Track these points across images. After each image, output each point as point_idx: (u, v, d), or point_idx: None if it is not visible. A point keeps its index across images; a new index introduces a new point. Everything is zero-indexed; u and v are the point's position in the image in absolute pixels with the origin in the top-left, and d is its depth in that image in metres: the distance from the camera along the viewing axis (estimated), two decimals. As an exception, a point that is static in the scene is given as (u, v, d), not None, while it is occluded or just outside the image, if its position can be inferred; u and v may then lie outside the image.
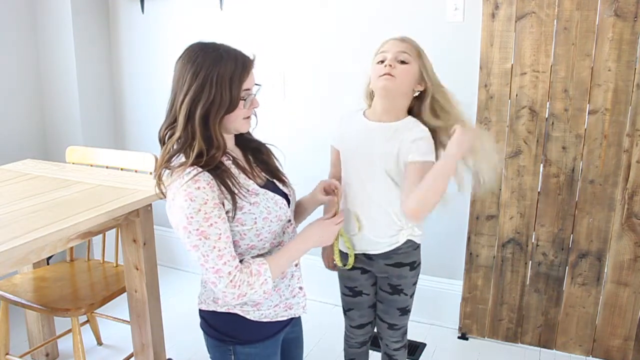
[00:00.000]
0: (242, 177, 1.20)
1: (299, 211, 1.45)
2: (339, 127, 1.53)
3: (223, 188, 1.13)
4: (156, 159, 2.02)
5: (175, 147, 1.16)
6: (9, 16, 2.59)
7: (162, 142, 1.19)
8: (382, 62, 1.38)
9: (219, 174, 1.15)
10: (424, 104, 1.41)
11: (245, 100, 1.18)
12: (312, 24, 2.39)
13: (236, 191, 1.15)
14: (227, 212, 1.14)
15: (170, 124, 1.17)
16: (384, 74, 1.36)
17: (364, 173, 1.43)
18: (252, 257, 1.21)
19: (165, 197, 1.21)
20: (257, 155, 1.32)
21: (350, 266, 1.50)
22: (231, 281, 1.13)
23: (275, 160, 1.36)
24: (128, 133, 2.97)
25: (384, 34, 2.19)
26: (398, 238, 1.46)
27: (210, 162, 1.14)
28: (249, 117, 1.23)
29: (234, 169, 1.20)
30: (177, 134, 1.15)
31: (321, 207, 1.51)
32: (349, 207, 1.47)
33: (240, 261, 1.19)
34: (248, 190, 1.19)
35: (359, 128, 1.46)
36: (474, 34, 2.07)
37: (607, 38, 1.87)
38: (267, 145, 1.36)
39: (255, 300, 1.23)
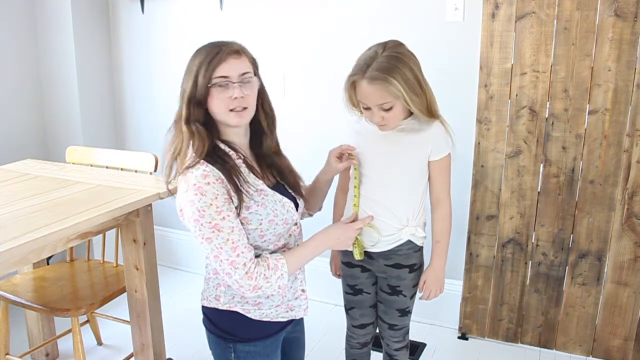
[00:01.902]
0: (251, 177, 1.21)
1: (317, 189, 1.46)
2: (350, 135, 1.51)
3: (231, 186, 1.14)
4: (156, 159, 2.03)
5: (181, 144, 1.19)
6: (9, 16, 2.59)
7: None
8: (368, 108, 1.36)
9: (227, 169, 1.16)
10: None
11: (221, 87, 1.16)
12: (312, 24, 2.39)
13: (243, 189, 1.16)
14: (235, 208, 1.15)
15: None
16: (379, 125, 1.38)
17: (379, 177, 1.43)
18: (269, 253, 1.22)
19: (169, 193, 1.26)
20: (272, 165, 1.31)
21: (362, 256, 1.49)
22: (246, 273, 1.14)
23: (295, 176, 1.35)
24: (128, 133, 2.97)
25: (384, 34, 2.20)
26: (400, 236, 1.45)
27: (210, 154, 1.17)
28: (233, 110, 1.18)
29: (243, 168, 1.20)
30: (176, 132, 1.20)
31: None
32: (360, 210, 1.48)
33: (257, 256, 1.20)
34: (256, 190, 1.19)
35: (372, 135, 1.44)
36: (474, 34, 2.07)
37: (607, 38, 1.87)
38: (285, 157, 1.36)
39: (261, 298, 1.24)
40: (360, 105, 1.38)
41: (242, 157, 1.22)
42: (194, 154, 1.16)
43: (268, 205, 1.20)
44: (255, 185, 1.20)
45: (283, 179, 1.32)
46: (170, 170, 1.20)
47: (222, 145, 1.21)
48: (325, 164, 1.45)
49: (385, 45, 1.33)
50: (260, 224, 1.19)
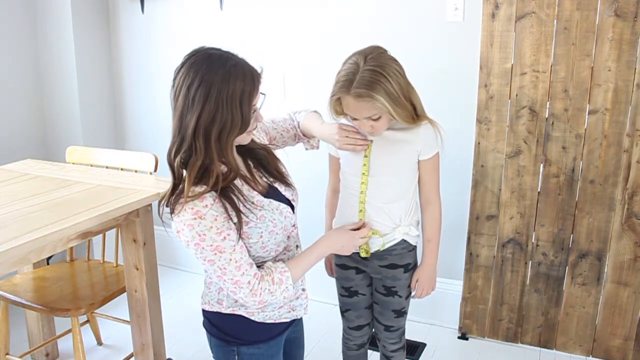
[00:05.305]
0: (245, 189, 1.18)
1: (310, 134, 1.50)
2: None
3: (228, 205, 1.11)
4: (156, 159, 2.02)
5: (194, 173, 1.09)
6: (9, 16, 2.59)
7: (173, 168, 1.12)
8: (356, 119, 1.34)
9: (224, 190, 1.12)
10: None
11: (252, 117, 1.15)
12: (312, 24, 2.39)
13: (241, 207, 1.13)
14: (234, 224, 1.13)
15: (179, 147, 1.10)
16: (369, 132, 1.38)
17: (371, 177, 1.42)
18: (273, 263, 1.21)
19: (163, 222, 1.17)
20: (257, 160, 1.29)
21: (369, 254, 1.49)
22: (251, 290, 1.13)
23: (278, 162, 1.33)
24: (128, 133, 2.97)
25: (383, 33, 2.22)
26: (394, 235, 1.45)
27: (224, 184, 1.12)
28: (251, 130, 1.19)
29: (237, 181, 1.17)
30: (198, 162, 1.08)
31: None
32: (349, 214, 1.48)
33: (260, 266, 1.19)
34: (253, 203, 1.16)
35: (362, 136, 1.43)
36: (474, 34, 2.07)
37: (607, 38, 1.87)
38: (268, 146, 1.34)
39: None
40: (347, 115, 1.37)
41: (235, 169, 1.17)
42: (202, 186, 1.10)
43: (267, 217, 1.18)
44: (251, 198, 1.17)
45: (268, 172, 1.29)
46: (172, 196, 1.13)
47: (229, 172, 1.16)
48: (328, 136, 1.43)
49: (365, 56, 1.27)
50: (261, 237, 1.18)
